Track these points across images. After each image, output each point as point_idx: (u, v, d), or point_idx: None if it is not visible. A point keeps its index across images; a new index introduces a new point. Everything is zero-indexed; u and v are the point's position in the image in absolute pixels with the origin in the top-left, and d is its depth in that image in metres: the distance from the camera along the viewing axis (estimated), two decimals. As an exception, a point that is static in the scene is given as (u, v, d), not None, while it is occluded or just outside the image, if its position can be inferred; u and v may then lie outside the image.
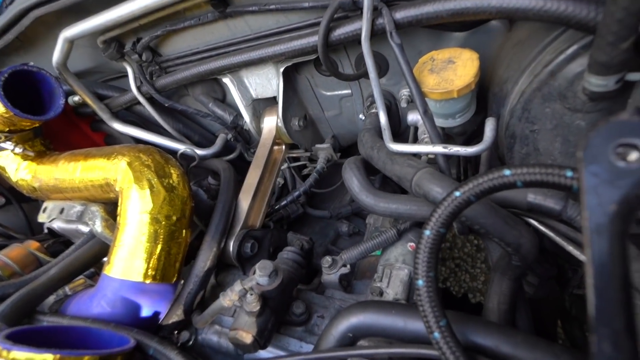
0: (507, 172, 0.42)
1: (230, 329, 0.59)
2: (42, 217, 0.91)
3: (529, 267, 0.60)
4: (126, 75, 1.08)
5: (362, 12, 0.63)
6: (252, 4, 0.74)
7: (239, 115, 1.05)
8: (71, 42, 0.88)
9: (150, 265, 0.68)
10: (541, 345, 0.44)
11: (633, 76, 0.44)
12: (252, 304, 0.57)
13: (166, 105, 1.01)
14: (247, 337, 0.57)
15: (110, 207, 0.86)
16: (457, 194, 0.44)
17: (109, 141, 1.23)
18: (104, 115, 1.06)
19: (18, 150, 0.91)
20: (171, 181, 0.74)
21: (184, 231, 0.73)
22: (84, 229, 0.89)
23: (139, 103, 1.05)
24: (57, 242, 1.03)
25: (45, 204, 0.93)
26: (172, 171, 0.76)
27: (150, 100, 1.03)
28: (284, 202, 0.96)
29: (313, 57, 0.78)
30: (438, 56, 0.64)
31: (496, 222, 0.52)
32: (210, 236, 0.75)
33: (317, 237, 1.11)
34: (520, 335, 0.46)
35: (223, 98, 1.09)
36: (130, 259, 0.68)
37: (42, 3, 0.78)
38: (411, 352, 0.46)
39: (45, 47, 0.96)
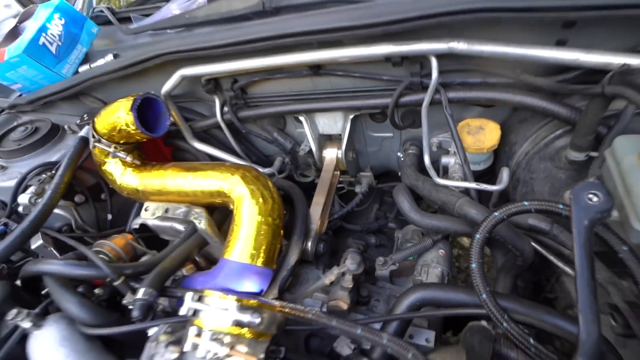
0: (526, 203, 0.72)
1: (329, 300, 0.84)
2: (145, 215, 1.11)
3: (527, 268, 0.90)
4: (199, 101, 1.33)
5: (424, 89, 0.95)
6: (340, 70, 1.03)
7: (296, 143, 1.33)
8: (184, 78, 1.13)
9: (260, 254, 0.92)
10: (541, 308, 0.74)
11: (593, 154, 0.77)
12: (348, 282, 0.83)
13: (243, 131, 1.27)
14: (344, 305, 0.82)
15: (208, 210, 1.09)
16: (497, 214, 0.74)
17: (176, 155, 1.45)
18: (187, 134, 1.29)
19: (129, 159, 1.13)
20: (272, 192, 0.99)
21: (281, 231, 0.97)
22: (179, 227, 1.10)
23: (217, 127, 1.30)
24: (142, 237, 1.23)
25: (147, 205, 1.13)
26: (270, 184, 1.01)
27: (228, 126, 1.28)
28: (336, 216, 1.23)
29: (377, 111, 1.08)
30: (472, 123, 0.95)
31: (512, 234, 0.82)
32: (297, 236, 1.01)
33: (350, 245, 1.37)
34: (527, 302, 0.75)
35: (283, 128, 1.36)
36: (246, 248, 0.91)
37: (180, 52, 1.03)
38: (465, 312, 0.74)
39: (153, 77, 1.20)
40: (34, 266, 0.91)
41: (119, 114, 1.04)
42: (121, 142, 1.12)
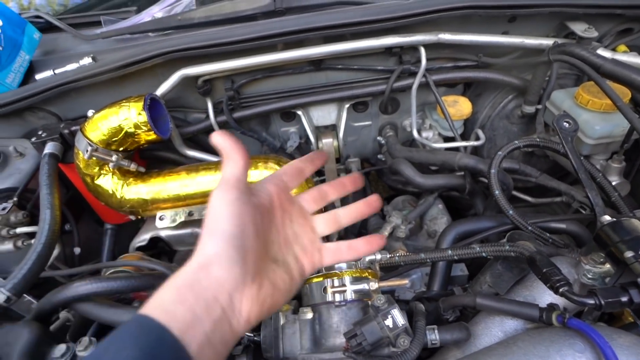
0: (517, 142, 1.00)
1: (389, 252, 0.96)
2: (162, 224, 1.01)
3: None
4: (183, 109, 1.29)
5: (410, 75, 1.18)
6: (339, 64, 1.18)
7: (284, 142, 1.40)
8: (184, 78, 1.10)
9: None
10: (546, 215, 1.01)
11: (538, 106, 1.11)
12: (402, 232, 0.97)
13: (239, 132, 1.28)
14: (405, 251, 0.95)
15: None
16: (500, 152, 0.99)
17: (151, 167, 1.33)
18: (177, 141, 1.22)
19: (133, 167, 1.02)
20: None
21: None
22: (200, 231, 1.05)
23: (206, 132, 1.27)
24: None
25: (161, 213, 1.03)
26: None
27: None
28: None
29: (369, 98, 1.26)
30: (447, 99, 1.23)
31: (501, 172, 1.10)
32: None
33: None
34: (534, 214, 1.02)
35: (267, 128, 1.41)
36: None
37: (191, 49, 1.01)
38: (497, 230, 0.96)
39: (137, 81, 1.11)
40: (64, 293, 0.75)
41: (125, 116, 0.96)
42: (120, 149, 1.01)
